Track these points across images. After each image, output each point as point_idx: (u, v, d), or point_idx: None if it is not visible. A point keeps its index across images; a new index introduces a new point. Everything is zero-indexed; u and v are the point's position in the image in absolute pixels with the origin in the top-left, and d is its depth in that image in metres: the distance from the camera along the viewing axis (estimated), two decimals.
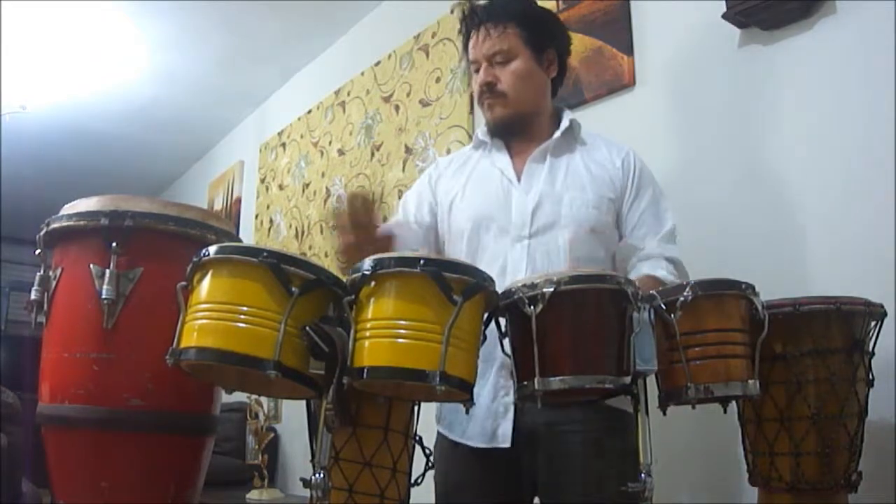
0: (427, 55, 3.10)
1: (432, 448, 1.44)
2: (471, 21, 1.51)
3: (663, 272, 1.37)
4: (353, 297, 0.98)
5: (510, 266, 1.41)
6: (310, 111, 4.01)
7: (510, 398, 1.34)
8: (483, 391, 1.36)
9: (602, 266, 1.41)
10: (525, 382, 1.04)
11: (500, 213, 1.46)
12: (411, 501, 1.15)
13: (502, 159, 1.53)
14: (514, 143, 1.53)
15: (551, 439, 1.34)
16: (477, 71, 1.51)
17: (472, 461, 1.40)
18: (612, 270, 1.32)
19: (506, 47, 1.46)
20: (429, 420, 1.42)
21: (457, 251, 1.49)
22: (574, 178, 1.46)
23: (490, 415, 1.36)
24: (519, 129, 1.51)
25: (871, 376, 1.35)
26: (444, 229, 1.55)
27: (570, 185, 1.46)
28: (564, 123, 1.51)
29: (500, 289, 1.07)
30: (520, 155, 1.52)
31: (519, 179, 1.48)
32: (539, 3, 1.62)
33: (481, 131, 1.58)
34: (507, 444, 1.35)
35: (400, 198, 3.09)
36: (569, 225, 1.42)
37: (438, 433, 1.48)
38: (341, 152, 3.64)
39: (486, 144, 1.56)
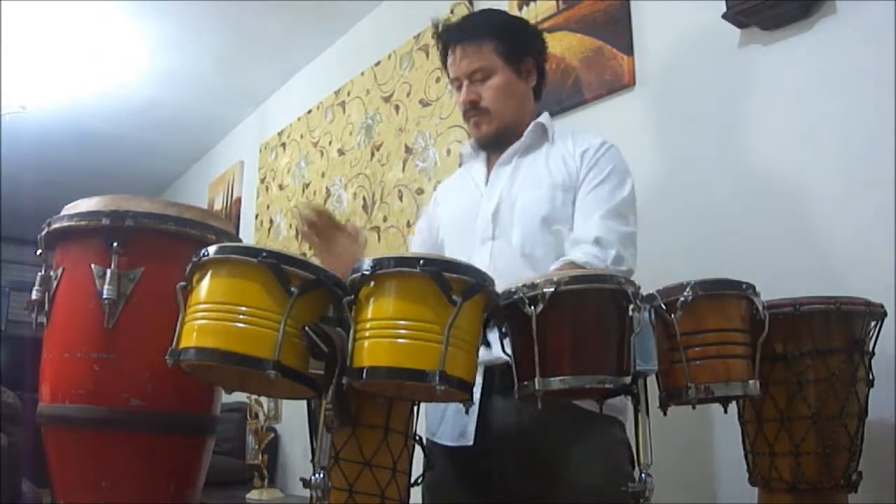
0: (427, 55, 3.10)
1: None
2: (446, 39, 1.54)
3: (580, 255, 1.31)
4: (352, 297, 0.99)
5: None
6: (310, 111, 4.01)
7: (476, 396, 1.34)
8: None
9: (549, 259, 1.38)
10: (525, 382, 1.04)
11: (469, 221, 1.50)
12: (411, 501, 1.15)
13: (478, 169, 1.58)
14: (493, 150, 1.56)
15: (519, 441, 1.33)
16: (458, 89, 1.53)
17: (446, 460, 1.41)
18: (612, 270, 1.32)
19: (483, 64, 1.48)
20: None
21: None
22: (532, 178, 1.47)
23: (459, 413, 1.36)
24: (505, 141, 1.53)
25: (871, 376, 1.35)
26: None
27: (528, 184, 1.47)
28: (530, 126, 1.52)
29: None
30: (495, 161, 1.55)
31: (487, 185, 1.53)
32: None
33: (466, 145, 1.62)
34: (470, 443, 1.36)
35: (400, 198, 3.11)
36: (520, 222, 1.43)
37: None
38: (341, 152, 3.64)
39: (469, 157, 1.62)
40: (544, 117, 1.54)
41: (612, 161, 1.45)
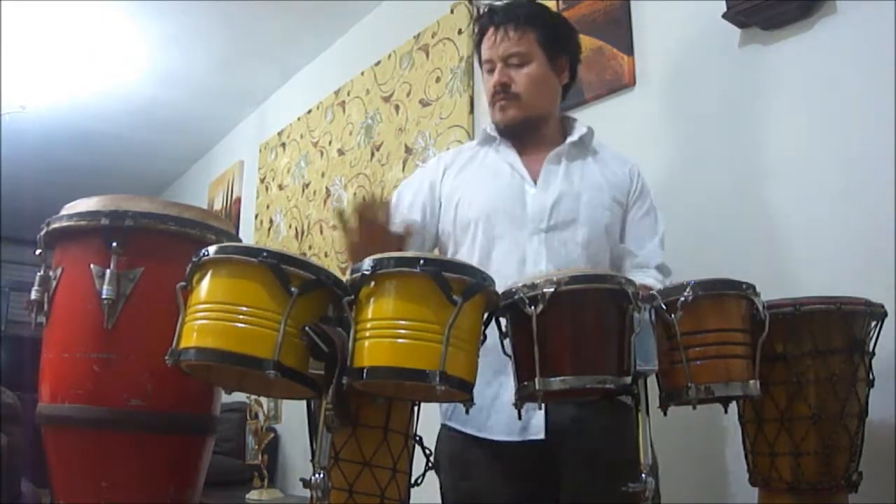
0: (427, 55, 3.10)
1: (436, 445, 1.44)
2: (488, 20, 1.52)
3: (652, 280, 1.42)
4: (352, 297, 0.98)
5: (530, 258, 1.42)
6: (310, 111, 4.01)
7: None
8: (508, 385, 1.35)
9: (606, 265, 1.45)
10: (525, 382, 1.04)
11: (512, 207, 1.46)
12: (411, 501, 1.15)
13: (511, 155, 1.53)
14: (522, 145, 1.54)
15: (577, 434, 1.33)
16: (490, 71, 1.51)
17: (495, 456, 1.38)
18: (614, 270, 1.33)
19: (523, 50, 1.48)
20: (429, 420, 1.41)
21: (465, 244, 1.48)
22: (591, 180, 1.50)
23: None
24: (527, 133, 1.52)
25: (871, 376, 1.35)
26: (446, 226, 1.53)
27: (588, 185, 1.49)
28: (581, 130, 1.54)
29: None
30: (529, 156, 1.52)
31: (533, 179, 1.49)
32: (540, 4, 1.63)
33: (490, 127, 1.57)
34: (542, 436, 1.33)
35: None
36: (587, 222, 1.45)
37: (448, 429, 1.45)
38: (341, 152, 3.64)
39: (495, 140, 1.56)
40: (581, 123, 1.57)
41: (649, 187, 1.56)
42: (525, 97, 1.48)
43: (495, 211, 1.47)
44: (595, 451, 1.32)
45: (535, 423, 1.34)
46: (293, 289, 0.96)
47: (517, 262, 1.41)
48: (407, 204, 1.57)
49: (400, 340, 0.95)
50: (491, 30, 1.50)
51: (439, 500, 1.45)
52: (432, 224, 1.56)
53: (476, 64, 1.65)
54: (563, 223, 1.44)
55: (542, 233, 1.43)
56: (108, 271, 1.23)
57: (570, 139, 1.52)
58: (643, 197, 1.54)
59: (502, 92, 1.49)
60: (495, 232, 1.46)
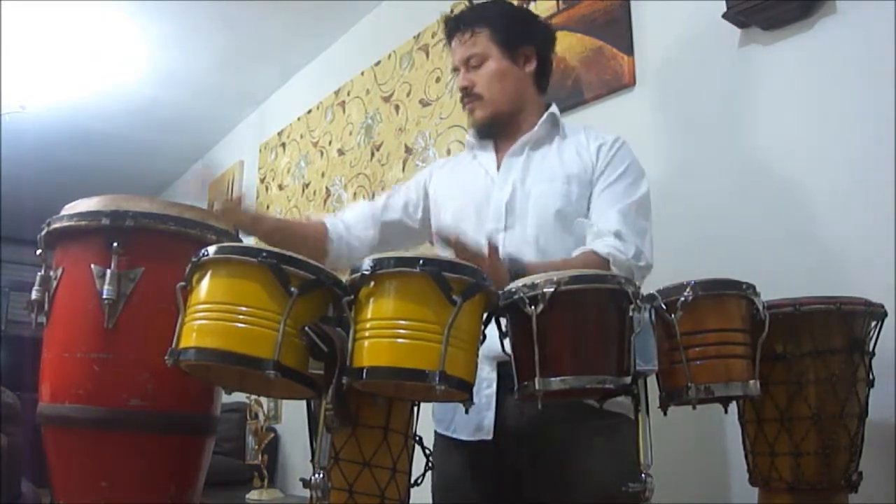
0: (427, 55, 3.10)
1: (432, 447, 1.45)
2: (446, 30, 1.58)
3: (602, 246, 1.34)
4: (352, 297, 0.98)
5: None
6: (310, 111, 4.01)
7: (492, 390, 1.36)
8: None
9: (557, 255, 1.40)
10: (525, 382, 1.04)
11: (480, 209, 1.49)
12: (411, 501, 1.15)
13: (487, 157, 1.57)
14: (501, 141, 1.57)
15: (535, 436, 1.34)
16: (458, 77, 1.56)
17: (461, 455, 1.42)
18: (632, 264, 1.33)
19: (477, 51, 1.51)
20: (429, 420, 1.42)
21: (444, 250, 1.50)
22: (545, 171, 1.48)
23: (474, 408, 1.36)
24: (503, 128, 1.54)
25: (871, 376, 1.35)
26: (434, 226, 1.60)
27: (542, 177, 1.48)
28: (543, 117, 1.53)
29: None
30: (504, 151, 1.55)
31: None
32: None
33: (471, 133, 1.62)
34: (490, 437, 1.36)
35: None
36: (535, 218, 1.44)
37: (434, 430, 1.48)
38: (341, 152, 3.64)
39: (475, 145, 1.61)
40: (555, 108, 1.56)
41: (628, 158, 1.48)
42: (487, 96, 1.51)
43: (463, 216, 1.51)
44: (547, 454, 1.33)
45: (487, 424, 1.36)
46: (293, 289, 0.96)
47: None
48: (394, 199, 1.67)
49: (399, 340, 0.95)
50: (451, 39, 1.56)
51: None
52: (413, 219, 1.64)
53: None
54: (515, 220, 1.45)
55: (500, 233, 1.44)
56: (108, 271, 1.23)
57: (534, 128, 1.52)
58: (610, 169, 1.45)
59: (466, 95, 1.53)
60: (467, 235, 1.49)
